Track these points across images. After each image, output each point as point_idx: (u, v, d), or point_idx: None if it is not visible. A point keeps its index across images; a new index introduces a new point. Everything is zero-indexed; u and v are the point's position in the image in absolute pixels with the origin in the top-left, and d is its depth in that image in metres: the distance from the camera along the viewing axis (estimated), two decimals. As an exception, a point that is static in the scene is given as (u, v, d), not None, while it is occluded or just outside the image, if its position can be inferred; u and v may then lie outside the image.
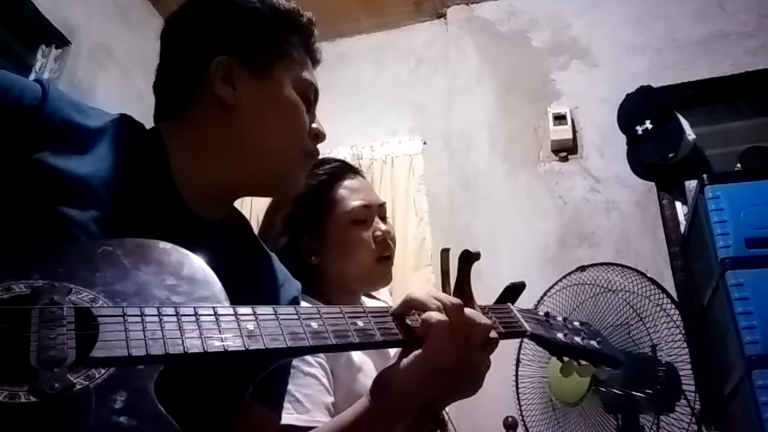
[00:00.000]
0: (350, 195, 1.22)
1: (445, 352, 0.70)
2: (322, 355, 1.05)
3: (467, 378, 0.81)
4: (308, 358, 1.03)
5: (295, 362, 1.00)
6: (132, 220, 0.70)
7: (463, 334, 0.72)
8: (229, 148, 0.79)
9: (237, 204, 0.89)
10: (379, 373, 0.76)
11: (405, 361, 0.71)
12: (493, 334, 0.77)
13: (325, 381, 1.05)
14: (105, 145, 0.73)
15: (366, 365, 1.13)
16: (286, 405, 0.92)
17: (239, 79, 0.79)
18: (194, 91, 0.80)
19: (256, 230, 0.94)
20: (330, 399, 1.04)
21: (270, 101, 0.81)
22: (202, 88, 0.79)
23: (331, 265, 1.20)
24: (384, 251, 1.23)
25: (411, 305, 0.73)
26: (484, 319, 0.75)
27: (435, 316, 0.70)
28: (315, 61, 0.89)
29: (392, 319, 0.72)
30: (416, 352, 0.71)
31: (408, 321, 0.73)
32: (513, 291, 0.89)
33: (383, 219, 1.26)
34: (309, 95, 0.85)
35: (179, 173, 0.78)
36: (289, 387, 0.94)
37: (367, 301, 1.31)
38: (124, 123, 0.78)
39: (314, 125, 0.85)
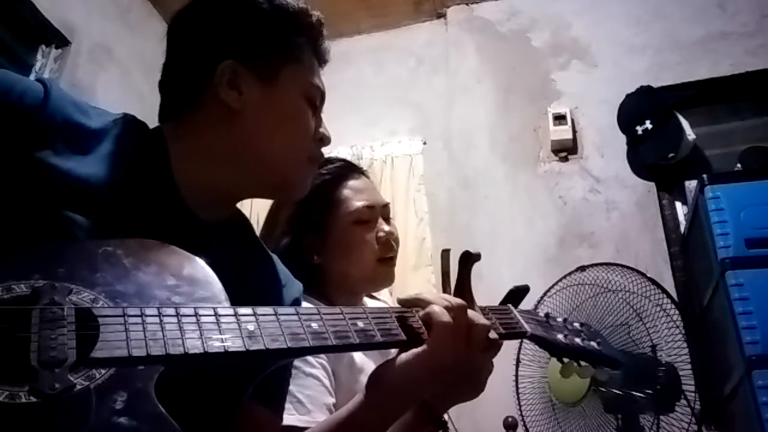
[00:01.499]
0: (354, 195, 1.22)
1: (444, 350, 0.71)
2: (323, 356, 1.05)
3: (469, 381, 0.82)
4: (310, 358, 1.03)
5: (297, 363, 1.00)
6: (133, 220, 0.70)
7: (463, 335, 0.72)
8: (233, 153, 0.79)
9: (237, 204, 0.89)
10: (376, 368, 0.76)
11: (403, 356, 0.72)
12: (492, 334, 0.77)
13: (326, 382, 1.04)
14: (106, 145, 0.72)
15: (368, 366, 1.12)
16: (287, 405, 0.92)
17: (245, 84, 0.78)
18: (200, 94, 0.79)
19: (257, 230, 0.94)
20: (331, 400, 1.04)
21: (276, 107, 0.80)
22: (207, 92, 0.79)
23: (334, 265, 1.20)
24: (387, 252, 1.22)
25: (418, 300, 0.74)
26: (482, 320, 0.75)
27: (440, 313, 0.71)
28: (323, 61, 0.88)
29: (393, 319, 0.72)
30: (415, 350, 0.71)
31: (409, 322, 0.73)
32: (517, 294, 0.89)
33: (387, 220, 1.26)
34: (315, 99, 0.84)
35: (181, 175, 0.77)
36: (291, 388, 0.94)
37: (369, 302, 1.31)
38: (127, 123, 0.77)
39: (320, 129, 0.85)
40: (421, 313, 0.73)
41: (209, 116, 0.79)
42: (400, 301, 0.75)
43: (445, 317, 0.71)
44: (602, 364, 0.89)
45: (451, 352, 0.71)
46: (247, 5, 0.82)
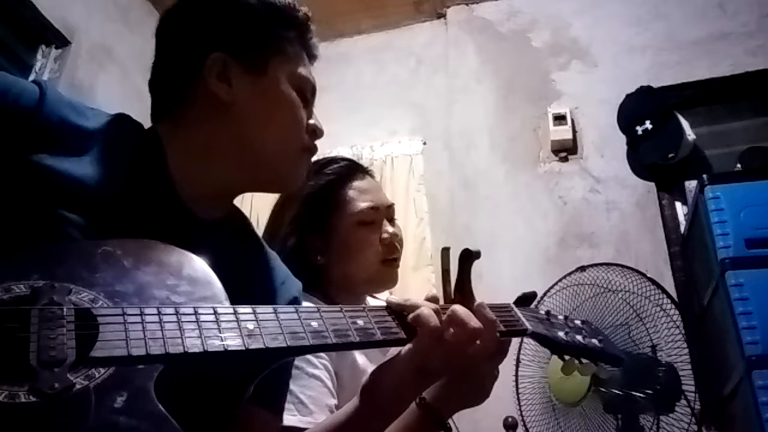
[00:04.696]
0: (359, 196, 1.21)
1: (430, 352, 0.71)
2: (326, 356, 1.05)
3: (474, 386, 0.82)
4: (312, 359, 1.02)
5: (300, 363, 0.99)
6: (131, 220, 0.70)
7: (450, 338, 0.72)
8: (226, 147, 0.79)
9: (237, 201, 0.88)
10: (371, 372, 0.76)
11: (393, 359, 0.73)
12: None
13: (329, 383, 1.04)
14: (103, 146, 0.72)
15: (370, 368, 1.12)
16: (289, 406, 0.91)
17: (235, 77, 0.79)
18: (190, 90, 0.79)
19: (256, 229, 0.94)
20: (333, 401, 1.03)
21: (266, 98, 0.80)
22: (197, 87, 0.79)
23: (337, 266, 1.19)
24: (391, 253, 1.21)
25: (404, 306, 0.74)
26: (474, 323, 0.74)
27: (426, 315, 0.71)
28: (311, 56, 0.88)
29: (393, 317, 0.72)
30: (404, 352, 0.72)
31: (409, 320, 0.73)
32: (524, 301, 0.89)
33: (391, 221, 1.25)
34: (305, 91, 0.84)
35: (177, 173, 0.77)
36: (293, 388, 0.94)
37: (371, 301, 1.30)
38: (122, 123, 0.78)
39: (311, 121, 0.85)
40: (410, 316, 0.73)
41: (201, 111, 0.79)
42: (390, 304, 0.75)
43: (433, 323, 0.71)
44: (604, 361, 0.89)
45: (438, 354, 0.71)
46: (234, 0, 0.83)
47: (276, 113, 0.81)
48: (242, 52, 0.80)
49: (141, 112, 0.86)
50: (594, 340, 0.88)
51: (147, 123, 0.83)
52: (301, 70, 0.84)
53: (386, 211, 1.24)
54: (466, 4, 3.36)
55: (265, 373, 0.67)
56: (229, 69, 0.79)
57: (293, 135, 0.82)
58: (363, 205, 1.20)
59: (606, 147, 2.88)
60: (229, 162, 0.79)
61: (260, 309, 0.63)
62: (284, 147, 0.82)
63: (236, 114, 0.79)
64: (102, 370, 0.51)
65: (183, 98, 0.80)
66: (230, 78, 0.79)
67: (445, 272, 0.85)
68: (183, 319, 0.57)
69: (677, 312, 2.17)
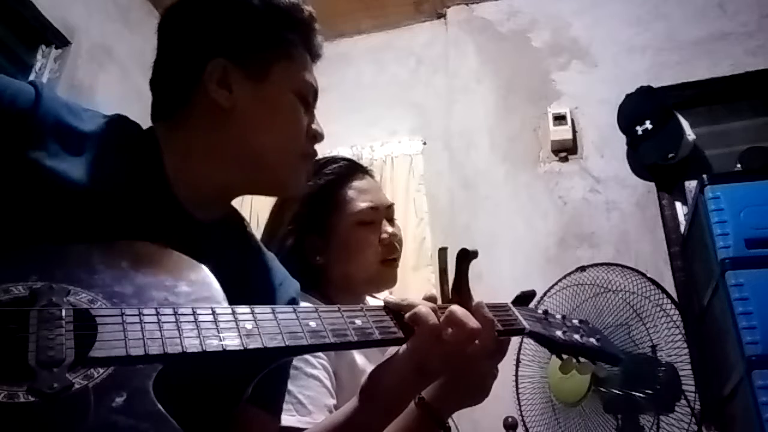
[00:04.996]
0: (358, 196, 1.20)
1: (429, 351, 0.71)
2: (324, 356, 1.05)
3: (474, 386, 0.83)
4: (311, 359, 1.02)
5: (298, 363, 0.99)
6: (128, 221, 0.70)
7: (444, 333, 0.73)
8: (225, 152, 0.78)
9: (237, 202, 0.88)
10: (370, 372, 0.77)
11: (392, 359, 0.74)
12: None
13: (327, 383, 1.04)
14: (99, 147, 0.72)
15: (369, 368, 1.12)
16: (287, 406, 0.91)
17: (235, 83, 0.78)
18: (190, 94, 0.79)
19: (255, 229, 0.94)
20: (332, 401, 1.03)
21: (267, 104, 0.80)
22: (198, 90, 0.78)
23: (336, 266, 1.18)
24: (390, 254, 1.21)
25: (401, 306, 0.74)
26: (472, 323, 0.74)
27: (424, 314, 0.71)
28: (315, 56, 0.87)
29: (391, 317, 0.73)
30: (402, 351, 0.72)
31: (406, 319, 0.73)
32: (524, 300, 0.89)
33: (390, 220, 1.24)
34: (307, 96, 0.84)
35: (175, 175, 0.77)
36: (292, 388, 0.94)
37: (370, 301, 1.30)
38: (119, 124, 0.77)
39: (313, 126, 0.85)
40: (407, 315, 0.73)
41: (201, 115, 0.79)
42: (387, 304, 0.75)
43: (431, 322, 0.71)
44: (602, 360, 0.89)
45: (437, 352, 0.71)
46: (237, 1, 0.81)
47: (276, 119, 0.80)
48: (244, 57, 0.79)
49: (141, 112, 0.85)
50: (592, 339, 0.89)
51: (147, 123, 0.83)
52: (304, 74, 0.83)
53: (386, 211, 1.24)
54: (466, 4, 3.36)
55: (264, 373, 0.67)
56: (230, 75, 0.78)
57: (293, 141, 0.82)
58: (362, 205, 1.20)
59: (606, 147, 2.88)
60: (229, 165, 0.79)
61: (258, 309, 0.63)
62: (284, 152, 0.81)
63: (236, 119, 0.78)
64: (101, 371, 0.51)
65: (183, 102, 0.79)
66: (231, 84, 0.78)
67: (443, 272, 0.85)
68: (181, 320, 0.57)
69: (677, 312, 2.17)
